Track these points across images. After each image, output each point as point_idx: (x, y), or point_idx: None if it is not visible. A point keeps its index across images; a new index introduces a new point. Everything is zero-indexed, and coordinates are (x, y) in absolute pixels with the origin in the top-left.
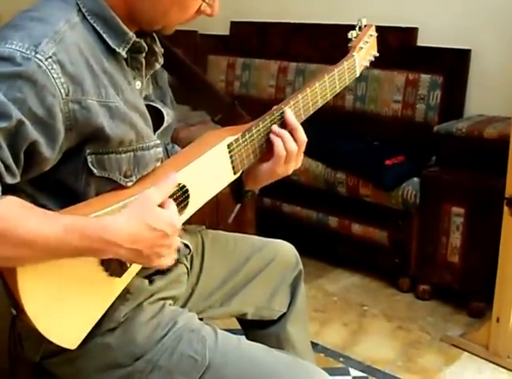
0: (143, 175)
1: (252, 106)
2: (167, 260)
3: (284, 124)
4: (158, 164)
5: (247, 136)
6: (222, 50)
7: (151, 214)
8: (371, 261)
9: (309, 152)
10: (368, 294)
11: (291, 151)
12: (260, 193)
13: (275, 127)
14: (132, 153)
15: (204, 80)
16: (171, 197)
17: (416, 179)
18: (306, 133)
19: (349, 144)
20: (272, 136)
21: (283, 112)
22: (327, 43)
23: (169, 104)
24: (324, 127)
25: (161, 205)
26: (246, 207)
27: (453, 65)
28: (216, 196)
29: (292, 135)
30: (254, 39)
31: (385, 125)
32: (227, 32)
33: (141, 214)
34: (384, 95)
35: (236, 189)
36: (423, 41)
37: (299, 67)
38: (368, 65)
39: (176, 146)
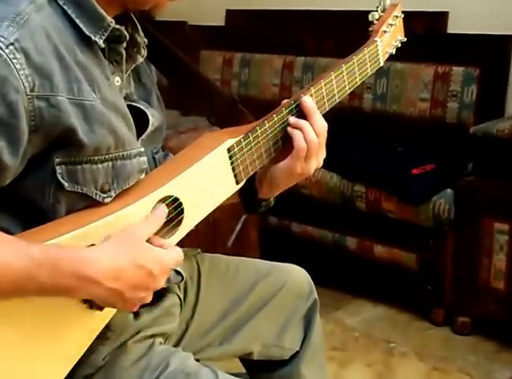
0: (124, 190)
1: (253, 109)
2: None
3: (302, 115)
4: (142, 176)
5: (251, 137)
6: (216, 43)
7: (138, 249)
8: (398, 289)
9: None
10: (395, 328)
11: (312, 143)
12: (265, 210)
13: (292, 118)
14: (110, 163)
15: (200, 75)
16: None
17: (449, 191)
18: None
19: (369, 151)
20: (289, 129)
21: (298, 103)
22: (340, 33)
23: (155, 104)
24: (339, 131)
25: (150, 241)
26: (249, 226)
27: (490, 55)
28: (213, 214)
29: (312, 125)
30: (253, 30)
31: (411, 128)
32: (222, 23)
33: (126, 248)
34: (409, 93)
35: (249, 199)
36: (454, 27)
37: (308, 62)
38: (394, 52)
39: (170, 155)
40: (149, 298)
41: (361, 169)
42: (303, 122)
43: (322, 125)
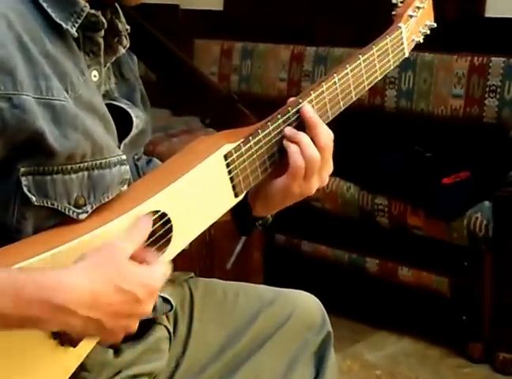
0: (103, 204)
1: (256, 108)
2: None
3: (301, 124)
4: (124, 188)
5: (252, 142)
6: (213, 31)
7: (118, 269)
8: (427, 319)
9: (336, 169)
10: (425, 365)
11: (311, 160)
12: (270, 226)
13: (288, 130)
14: (86, 173)
15: (193, 69)
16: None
17: (487, 203)
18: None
19: (392, 157)
20: (285, 142)
21: (300, 108)
22: (358, 18)
23: (139, 103)
24: (356, 134)
25: (133, 258)
26: (251, 246)
27: None
28: (210, 232)
29: (313, 137)
30: (256, 15)
31: (442, 130)
32: (220, 7)
33: (104, 268)
34: (439, 89)
35: (240, 216)
36: (492, 11)
37: (320, 53)
38: (421, 40)
39: (155, 161)
40: (135, 327)
41: (383, 178)
42: (300, 135)
43: (326, 138)
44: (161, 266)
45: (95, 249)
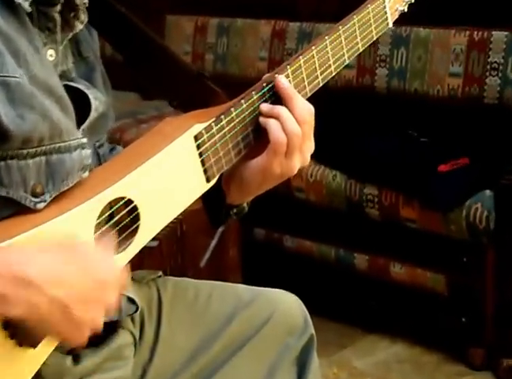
0: (62, 192)
1: (233, 90)
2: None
3: (278, 100)
4: (85, 175)
5: (224, 121)
6: (186, 5)
7: (86, 252)
8: (423, 322)
9: (321, 156)
10: (420, 372)
11: (294, 134)
12: (248, 219)
13: (265, 105)
14: (44, 157)
15: (161, 46)
16: (110, 218)
17: (488, 192)
18: (314, 127)
19: (383, 142)
20: (262, 119)
21: (274, 82)
22: None
23: (99, 84)
24: (343, 117)
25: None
26: (228, 241)
27: None
28: (182, 226)
29: (291, 111)
30: None
31: (438, 112)
32: None
33: (70, 250)
34: (435, 67)
35: (213, 204)
36: None
37: (304, 29)
38: (406, 9)
39: (119, 148)
40: (101, 320)
41: (372, 165)
42: (279, 109)
43: (306, 110)
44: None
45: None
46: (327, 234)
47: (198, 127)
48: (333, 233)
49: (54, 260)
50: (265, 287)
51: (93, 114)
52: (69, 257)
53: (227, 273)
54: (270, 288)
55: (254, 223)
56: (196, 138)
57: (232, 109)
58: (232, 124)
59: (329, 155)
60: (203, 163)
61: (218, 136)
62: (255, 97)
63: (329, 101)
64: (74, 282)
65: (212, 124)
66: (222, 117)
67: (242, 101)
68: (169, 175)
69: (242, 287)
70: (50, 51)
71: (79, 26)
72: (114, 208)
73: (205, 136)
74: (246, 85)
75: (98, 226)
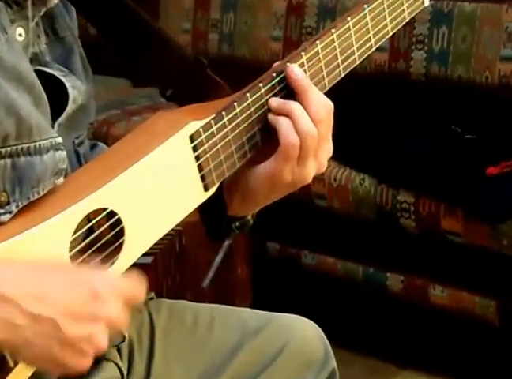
0: (31, 202)
1: (242, 76)
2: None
3: (291, 94)
4: (59, 181)
5: (226, 119)
6: None
7: (70, 265)
8: (468, 355)
9: (345, 156)
10: None
11: (307, 136)
12: (260, 232)
13: (275, 100)
14: (9, 161)
15: (149, 25)
16: (88, 233)
17: None
18: (338, 122)
19: (420, 141)
20: (271, 116)
21: (286, 72)
22: None
23: (79, 71)
24: (373, 110)
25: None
26: (235, 258)
27: None
28: (181, 239)
29: (304, 107)
30: None
31: (486, 104)
32: None
33: (51, 264)
34: (483, 49)
35: (212, 216)
36: None
37: (325, 3)
38: None
39: (102, 146)
40: (103, 340)
41: (408, 167)
42: (291, 105)
43: (323, 106)
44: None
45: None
46: (354, 249)
47: (195, 125)
48: (360, 248)
49: (30, 272)
50: (278, 312)
51: (71, 107)
52: (48, 267)
53: (234, 295)
54: (284, 313)
55: (266, 235)
56: (192, 138)
57: (236, 104)
58: (236, 122)
59: (356, 156)
60: (200, 168)
61: (218, 136)
62: (263, 90)
63: (355, 90)
64: (59, 295)
65: (212, 121)
66: (223, 113)
67: (248, 94)
68: (160, 182)
69: (251, 312)
70: (19, 30)
71: (53, 0)
72: (94, 221)
73: (203, 137)
74: (257, 71)
75: (74, 242)
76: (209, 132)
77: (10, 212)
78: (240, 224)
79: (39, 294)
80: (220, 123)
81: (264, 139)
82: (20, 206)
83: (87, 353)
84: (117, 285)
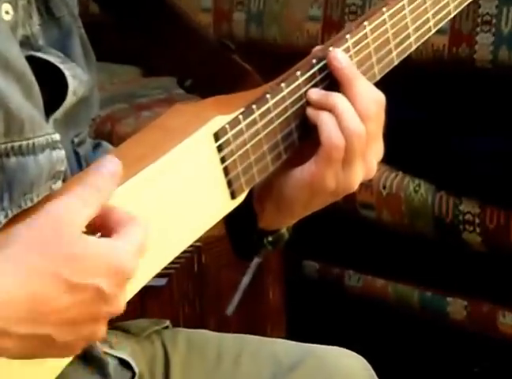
0: (24, 211)
1: (272, 64)
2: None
3: (334, 85)
4: (56, 186)
5: (257, 114)
6: None
7: (67, 255)
8: None
9: (397, 159)
10: None
11: (354, 135)
12: (296, 248)
13: (315, 92)
14: None
15: (166, 3)
16: None
17: None
18: (388, 118)
19: (486, 140)
20: (311, 111)
21: (329, 59)
22: None
23: (79, 57)
24: (430, 103)
25: (90, 228)
26: (266, 279)
27: None
28: (200, 256)
29: (351, 100)
30: None
31: None
32: None
33: (44, 256)
34: None
35: (240, 229)
36: None
37: None
38: None
39: (105, 145)
40: (101, 332)
41: (472, 172)
42: (335, 98)
43: (373, 99)
44: (135, 236)
45: (24, 226)
46: (408, 269)
47: (220, 120)
48: (416, 268)
49: (17, 281)
50: (317, 344)
51: (70, 99)
52: (42, 266)
53: (265, 323)
54: (325, 345)
55: (302, 253)
56: (217, 136)
57: (268, 96)
58: (269, 117)
59: (410, 158)
60: (226, 171)
61: (248, 134)
62: (301, 80)
63: (408, 80)
64: (54, 307)
65: (240, 116)
66: (254, 107)
67: (283, 85)
68: (178, 189)
69: (285, 344)
70: (6, 6)
71: None
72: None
73: (230, 134)
74: (290, 57)
75: None
76: (237, 129)
77: None
78: (273, 239)
79: (30, 312)
80: (250, 118)
81: (302, 137)
82: (10, 215)
83: (79, 348)
84: (124, 269)
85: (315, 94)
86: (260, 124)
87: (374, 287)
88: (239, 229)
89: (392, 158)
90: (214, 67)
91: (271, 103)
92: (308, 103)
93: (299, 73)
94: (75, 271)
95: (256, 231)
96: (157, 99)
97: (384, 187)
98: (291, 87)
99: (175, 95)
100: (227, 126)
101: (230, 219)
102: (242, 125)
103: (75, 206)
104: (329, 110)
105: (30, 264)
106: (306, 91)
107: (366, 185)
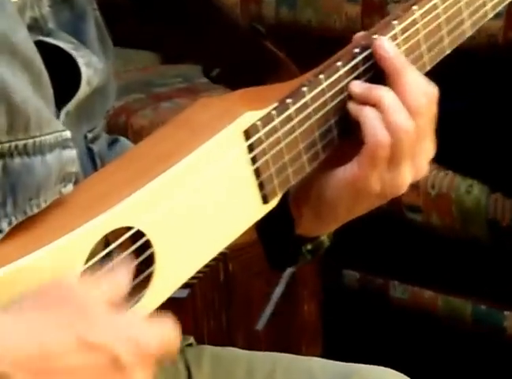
0: (30, 217)
1: (305, 50)
2: None
3: (379, 76)
4: (67, 190)
5: (293, 109)
6: None
7: (84, 313)
8: None
9: (447, 157)
10: None
11: (401, 132)
12: (334, 257)
13: (358, 85)
14: (0, 162)
15: None
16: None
17: None
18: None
19: None
20: (353, 106)
21: (374, 47)
22: None
23: (94, 43)
24: (483, 93)
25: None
26: (301, 290)
27: None
28: (227, 265)
29: (398, 94)
30: None
31: None
32: None
33: (60, 311)
34: None
35: (274, 236)
36: None
37: None
38: None
39: (123, 140)
40: None
41: None
42: (380, 91)
43: (423, 92)
44: (159, 325)
45: (41, 288)
46: (459, 278)
47: (251, 116)
48: (468, 277)
49: (30, 331)
50: (357, 362)
51: (84, 90)
52: (57, 318)
53: (300, 340)
54: (366, 365)
55: (342, 261)
56: (247, 134)
57: (305, 89)
58: (305, 113)
59: (462, 155)
60: (258, 173)
61: (282, 131)
62: (342, 71)
63: (460, 68)
64: (67, 363)
65: (273, 112)
66: (289, 101)
67: (322, 76)
68: (203, 193)
69: (322, 362)
70: None
71: None
72: (114, 245)
73: (262, 132)
74: (326, 42)
75: (86, 273)
76: (270, 126)
77: (1, 231)
78: (313, 247)
79: (39, 363)
80: (284, 114)
81: (342, 135)
82: (14, 223)
83: None
84: (146, 343)
85: (358, 87)
86: (296, 120)
87: (421, 299)
88: (274, 235)
89: (441, 155)
90: (244, 55)
91: (308, 97)
92: (350, 97)
93: (340, 63)
94: (92, 329)
95: (293, 239)
96: (177, 89)
97: (433, 187)
98: (332, 79)
99: (198, 85)
100: (258, 123)
101: (263, 225)
102: (276, 121)
103: (87, 288)
104: (374, 104)
105: (45, 316)
106: (347, 84)
107: (412, 185)
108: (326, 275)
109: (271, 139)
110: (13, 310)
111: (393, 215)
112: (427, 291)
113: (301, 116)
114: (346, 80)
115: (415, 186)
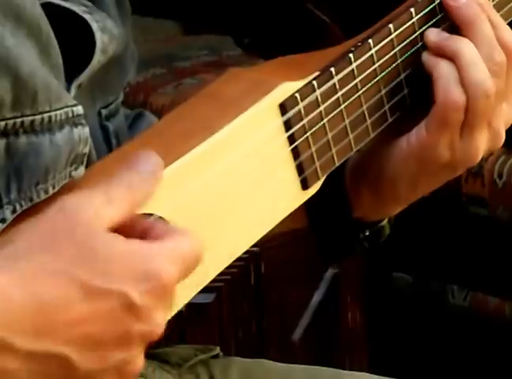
0: (37, 203)
1: (349, 16)
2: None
3: (454, 29)
4: (77, 173)
5: (336, 79)
6: None
7: (88, 248)
8: None
9: None
10: None
11: (479, 91)
12: (382, 258)
13: (434, 33)
14: (2, 142)
15: None
16: None
17: None
18: None
19: None
20: (426, 57)
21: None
22: None
23: (110, 7)
24: None
25: (122, 230)
26: (344, 295)
27: None
28: (259, 265)
29: (478, 48)
30: None
31: None
32: None
33: (59, 251)
34: None
35: (329, 221)
36: None
37: None
38: None
39: (147, 116)
40: (138, 364)
41: None
42: (458, 42)
43: (507, 46)
44: (179, 242)
45: (33, 220)
46: None
47: (288, 88)
48: None
49: (23, 283)
50: (409, 377)
51: (98, 59)
52: (55, 264)
53: (343, 352)
54: None
55: (392, 263)
56: (284, 109)
57: (352, 55)
58: (352, 83)
59: None
60: (296, 154)
61: (325, 105)
62: (416, 18)
63: None
64: (72, 317)
65: (314, 83)
66: (332, 70)
67: (372, 41)
68: (234, 176)
69: (369, 377)
70: None
71: None
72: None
73: (301, 106)
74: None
75: None
76: (310, 98)
77: (3, 220)
78: (372, 233)
79: (39, 324)
80: (327, 85)
81: (413, 96)
82: (19, 210)
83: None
84: (175, 275)
85: (434, 35)
86: (340, 92)
87: (485, 305)
88: (328, 221)
89: (510, 139)
90: (280, 19)
91: (354, 65)
92: (424, 48)
93: (413, 9)
94: (96, 272)
95: (349, 224)
96: (202, 63)
97: (500, 176)
98: (405, 26)
99: (226, 58)
100: (297, 95)
101: (313, 208)
102: (317, 93)
103: (98, 200)
104: (450, 57)
105: (36, 262)
106: (422, 33)
107: (475, 173)
108: (373, 279)
109: (312, 114)
110: (4, 255)
111: (453, 208)
112: (491, 298)
113: (347, 88)
114: (419, 29)
115: (478, 174)
